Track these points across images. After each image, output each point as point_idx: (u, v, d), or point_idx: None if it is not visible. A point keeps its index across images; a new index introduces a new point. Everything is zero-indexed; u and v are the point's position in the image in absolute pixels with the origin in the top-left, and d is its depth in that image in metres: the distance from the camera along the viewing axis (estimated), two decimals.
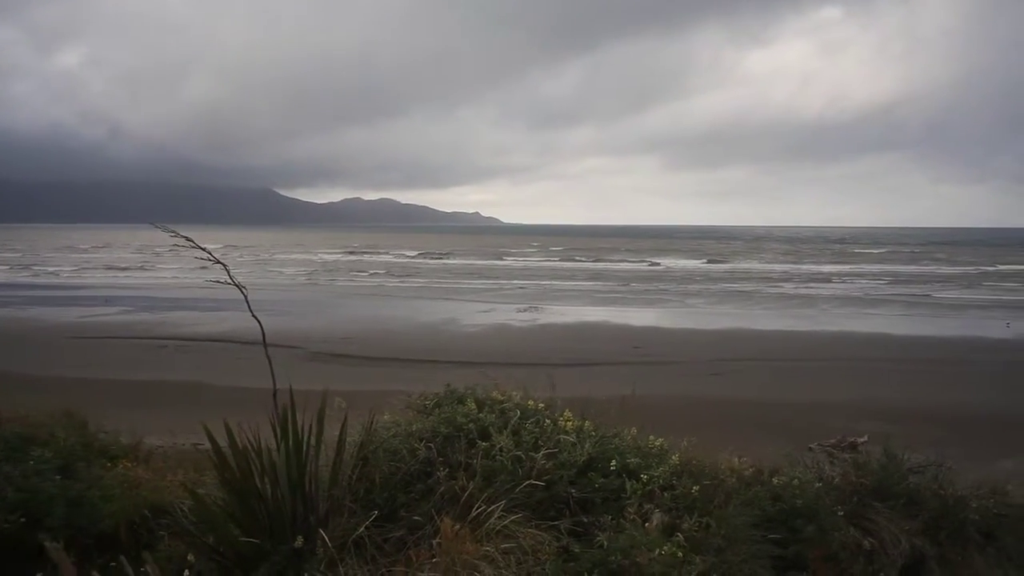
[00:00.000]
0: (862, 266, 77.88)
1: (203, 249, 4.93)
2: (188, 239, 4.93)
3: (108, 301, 37.16)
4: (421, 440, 5.35)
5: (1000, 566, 5.41)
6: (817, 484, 5.75)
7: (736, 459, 5.86)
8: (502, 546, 4.40)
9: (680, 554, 4.37)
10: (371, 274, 65.50)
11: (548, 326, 30.16)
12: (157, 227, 5.37)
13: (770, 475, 5.86)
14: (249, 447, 4.84)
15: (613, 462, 5.19)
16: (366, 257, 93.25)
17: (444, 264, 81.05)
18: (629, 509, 4.80)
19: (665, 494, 5.01)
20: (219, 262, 4.97)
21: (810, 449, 7.62)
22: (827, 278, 60.84)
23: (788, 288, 51.24)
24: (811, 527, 5.15)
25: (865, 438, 8.33)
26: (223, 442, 4.81)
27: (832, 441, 8.33)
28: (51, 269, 68.27)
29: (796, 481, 5.65)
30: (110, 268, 70.05)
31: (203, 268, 4.88)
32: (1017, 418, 15.28)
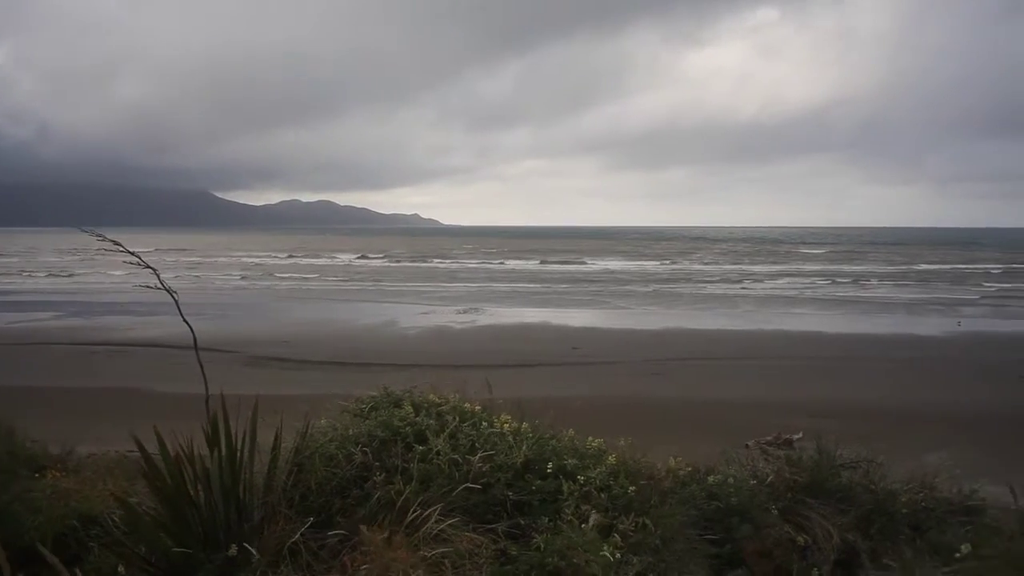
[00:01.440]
0: (797, 265, 79.20)
1: (132, 253, 4.83)
2: (116, 243, 4.83)
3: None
4: (357, 445, 5.30)
5: (928, 558, 5.52)
6: (752, 482, 5.82)
7: (672, 459, 5.90)
8: (438, 551, 4.38)
9: (617, 554, 4.39)
10: (311, 277, 64.91)
11: (487, 328, 30.16)
12: (85, 231, 5.26)
13: (706, 474, 5.92)
14: (182, 455, 4.75)
15: (550, 464, 5.20)
16: (305, 260, 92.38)
17: (384, 266, 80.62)
18: (566, 510, 4.81)
19: (602, 495, 5.03)
20: (148, 267, 4.88)
21: (746, 447, 7.73)
22: (764, 278, 61.78)
23: (726, 288, 51.94)
24: (746, 525, 5.21)
25: (800, 435, 8.48)
26: (155, 450, 4.72)
27: (768, 438, 8.46)
28: None
29: (731, 479, 5.72)
30: (39, 273, 68.44)
31: (135, 273, 4.75)
32: (943, 413, 15.65)
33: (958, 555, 4.46)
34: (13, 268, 74.84)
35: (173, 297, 4.95)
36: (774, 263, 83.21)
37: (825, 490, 5.94)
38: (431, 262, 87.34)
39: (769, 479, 6.01)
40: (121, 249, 4.87)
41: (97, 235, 4.98)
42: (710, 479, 5.74)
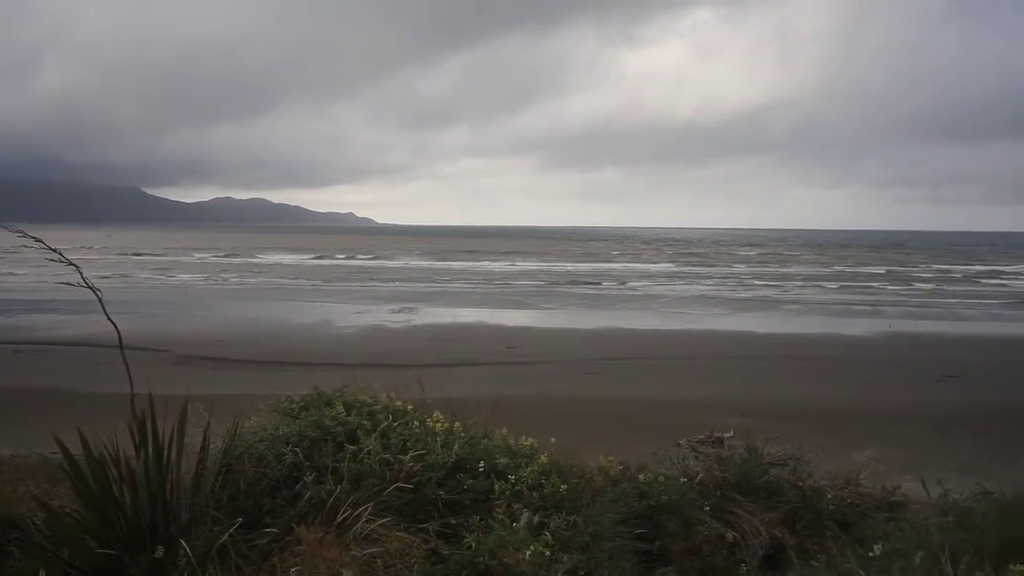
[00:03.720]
0: (729, 267, 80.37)
1: (53, 250, 4.72)
2: (37, 239, 4.72)
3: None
4: (288, 444, 5.26)
5: (853, 553, 5.65)
6: (682, 480, 5.90)
7: (603, 457, 5.95)
8: (369, 551, 4.37)
9: (548, 552, 4.42)
10: (243, 275, 64.09)
11: (422, 327, 30.06)
12: (4, 227, 5.14)
13: (637, 472, 5.98)
14: (107, 456, 4.66)
15: (481, 463, 5.21)
16: (238, 258, 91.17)
17: (318, 265, 79.89)
18: (498, 509, 4.83)
19: (534, 494, 5.06)
20: (71, 263, 4.78)
21: (678, 445, 7.82)
22: (695, 278, 62.55)
23: (658, 288, 52.46)
24: (675, 521, 5.28)
25: (731, 433, 8.59)
26: (79, 451, 4.63)
27: (699, 437, 8.56)
28: None
29: (662, 477, 5.79)
30: None
31: (59, 271, 4.64)
32: (869, 412, 16.00)
33: (871, 554, 4.57)
34: None
35: (97, 295, 4.86)
36: (706, 264, 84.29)
37: (754, 487, 6.05)
38: (365, 261, 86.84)
39: (699, 477, 6.11)
40: (43, 246, 4.76)
41: (17, 231, 4.87)
42: (641, 477, 5.80)
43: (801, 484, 6.23)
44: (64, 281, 4.98)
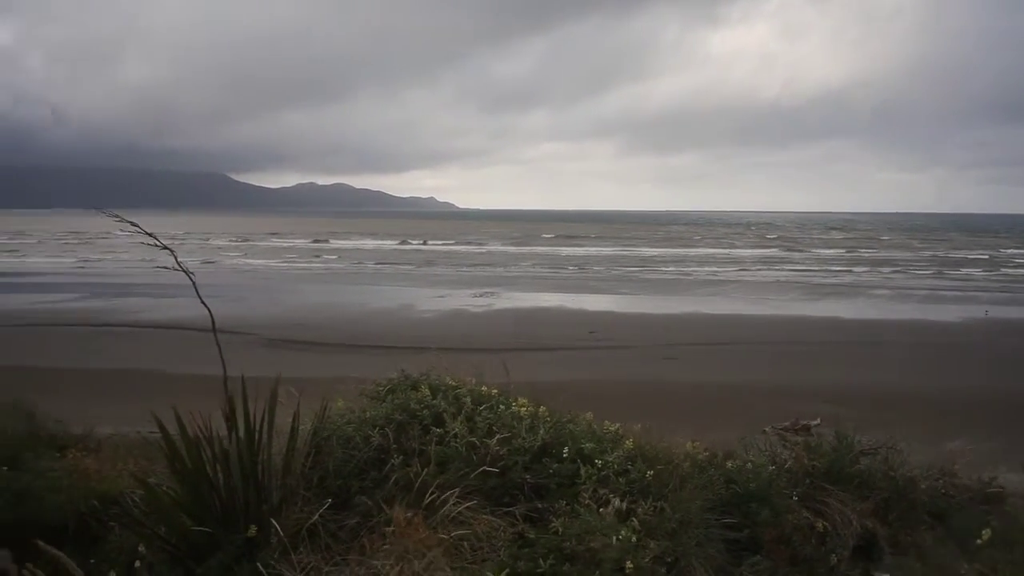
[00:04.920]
0: (813, 251, 78.89)
1: (149, 235, 4.84)
2: (134, 224, 4.84)
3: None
4: (375, 427, 5.32)
5: (947, 545, 5.50)
6: (770, 467, 5.80)
7: (690, 443, 5.89)
8: (456, 533, 4.40)
9: (635, 539, 4.39)
10: (327, 259, 65.14)
11: (504, 311, 30.15)
12: (104, 213, 5.28)
13: (724, 459, 5.90)
14: (200, 436, 4.78)
15: (567, 448, 5.19)
16: (320, 243, 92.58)
17: (399, 250, 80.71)
18: (584, 494, 4.81)
19: (620, 479, 5.03)
20: (166, 247, 4.89)
21: (764, 432, 7.70)
22: (779, 262, 61.56)
23: (741, 273, 51.76)
24: (765, 510, 5.19)
25: (818, 420, 8.43)
26: (174, 430, 4.75)
27: (785, 424, 8.41)
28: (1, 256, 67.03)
29: (749, 465, 5.70)
30: (56, 254, 68.91)
31: (153, 255, 4.75)
32: (960, 400, 15.55)
33: (979, 541, 4.43)
34: (31, 250, 75.36)
35: (191, 278, 4.96)
36: (788, 249, 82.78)
37: (844, 476, 5.91)
38: (446, 246, 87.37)
39: (788, 465, 5.99)
40: (139, 230, 4.88)
41: (115, 216, 4.99)
42: (728, 464, 5.72)
43: (893, 473, 6.07)
44: (160, 265, 5.10)
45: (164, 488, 4.93)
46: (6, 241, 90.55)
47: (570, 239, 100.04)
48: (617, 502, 4.71)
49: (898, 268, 56.86)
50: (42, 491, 5.30)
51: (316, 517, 4.60)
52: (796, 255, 72.83)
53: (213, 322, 5.10)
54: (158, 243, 4.85)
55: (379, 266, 58.06)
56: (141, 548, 4.58)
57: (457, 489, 4.68)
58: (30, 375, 16.01)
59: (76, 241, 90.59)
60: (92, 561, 4.74)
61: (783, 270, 54.45)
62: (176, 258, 4.91)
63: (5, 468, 5.41)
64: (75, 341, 22.56)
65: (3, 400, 7.22)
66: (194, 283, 4.93)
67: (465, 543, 4.35)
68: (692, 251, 78.65)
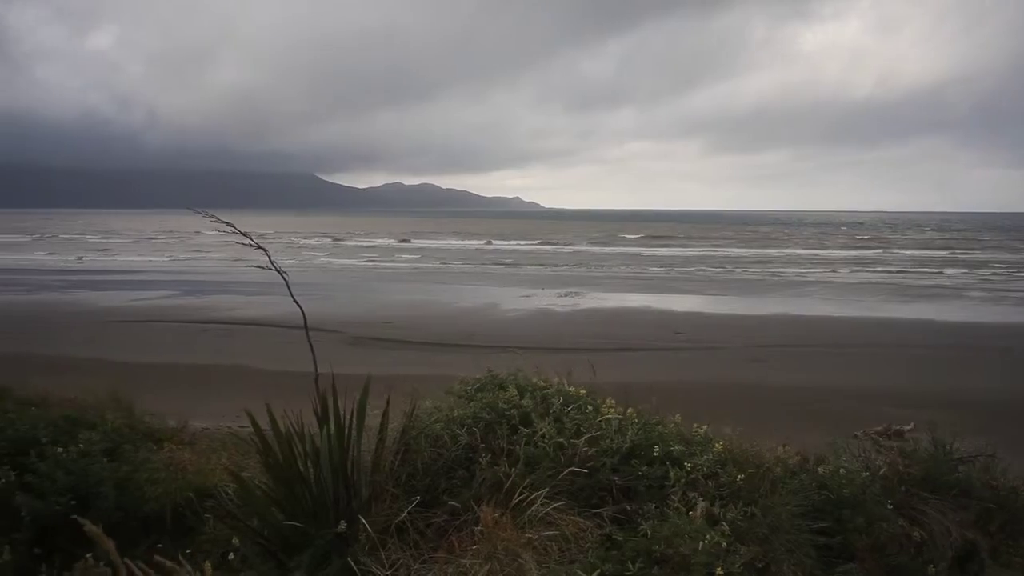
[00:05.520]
0: (906, 251, 76.84)
1: (244, 235, 4.94)
2: (229, 224, 4.94)
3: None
4: (463, 426, 5.35)
5: None
6: (864, 473, 5.66)
7: (781, 447, 5.78)
8: (544, 533, 4.39)
9: (725, 543, 4.33)
10: (412, 258, 65.83)
11: (589, 311, 30.04)
12: (198, 212, 5.40)
13: (815, 464, 5.78)
14: (292, 431, 4.86)
15: (656, 449, 5.15)
16: (407, 242, 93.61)
17: (484, 249, 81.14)
18: (673, 497, 4.77)
19: (709, 482, 4.97)
20: (259, 247, 4.99)
21: (855, 437, 7.52)
22: (868, 263, 60.11)
23: (829, 273, 50.67)
24: (859, 517, 5.07)
25: (911, 425, 8.20)
26: (266, 426, 4.84)
27: (877, 429, 8.20)
28: (95, 254, 69.34)
29: (842, 470, 5.57)
30: (151, 253, 71.03)
31: (246, 254, 4.86)
32: None
33: None
34: (126, 249, 77.79)
35: (283, 278, 5.05)
36: (879, 249, 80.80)
37: (941, 484, 5.73)
38: (531, 245, 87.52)
39: (882, 471, 5.84)
40: (233, 230, 4.98)
41: (211, 217, 5.11)
42: (820, 469, 5.60)
43: (994, 483, 5.87)
44: (254, 264, 5.21)
45: (257, 482, 5.03)
46: (103, 240, 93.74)
47: (655, 239, 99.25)
48: (707, 506, 4.65)
49: (997, 270, 55.00)
50: (141, 482, 5.45)
51: (404, 514, 4.64)
52: (887, 255, 71.03)
53: (305, 321, 5.18)
54: (252, 243, 4.94)
55: (464, 265, 58.43)
56: (235, 540, 4.68)
57: (545, 489, 4.68)
58: (127, 369, 16.52)
59: (170, 240, 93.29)
60: (187, 551, 4.85)
61: (874, 271, 53.12)
62: (269, 257, 5.01)
63: (106, 459, 5.57)
64: (169, 337, 23.17)
65: (103, 393, 7.44)
66: (287, 282, 5.02)
67: (553, 544, 4.34)
68: (779, 251, 77.28)
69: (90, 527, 3.24)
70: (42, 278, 43.74)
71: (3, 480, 5.22)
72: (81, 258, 62.79)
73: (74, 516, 3.61)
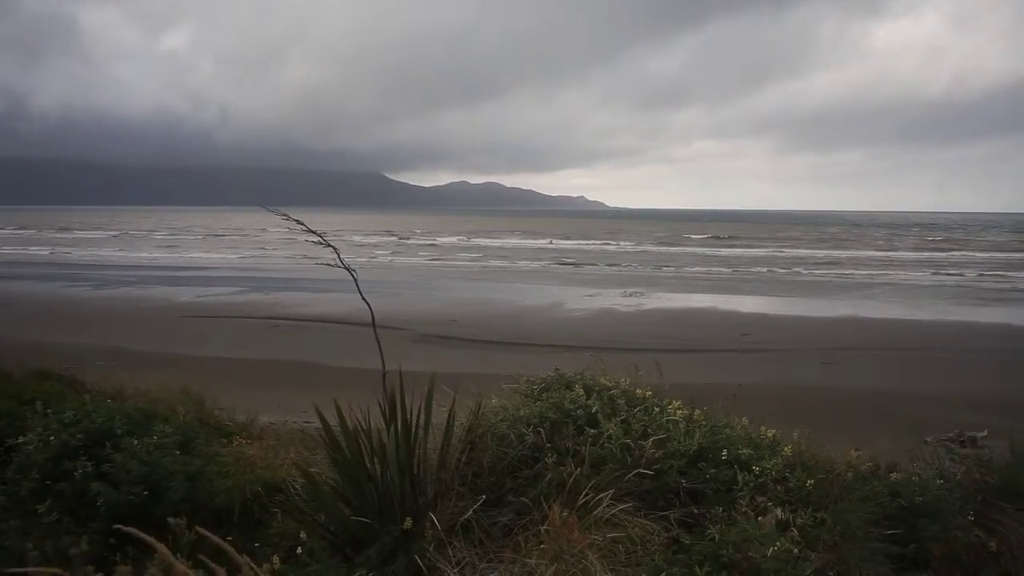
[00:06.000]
0: (984, 253, 74.93)
1: (314, 232, 4.99)
2: (299, 222, 5.00)
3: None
4: (529, 425, 5.34)
5: None
6: (938, 481, 5.52)
7: (852, 452, 5.67)
8: (610, 535, 4.36)
9: (795, 550, 4.25)
10: (476, 257, 66.07)
11: (654, 311, 29.84)
12: (270, 210, 5.47)
13: (887, 470, 5.67)
14: (359, 428, 4.90)
15: (725, 452, 5.08)
16: (471, 240, 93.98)
17: (548, 248, 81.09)
18: (741, 501, 4.70)
19: (778, 487, 4.90)
20: (330, 245, 5.03)
21: (925, 442, 7.36)
22: (943, 265, 58.72)
23: (899, 275, 49.64)
24: (934, 525, 4.95)
25: (984, 432, 8.00)
26: (334, 422, 4.89)
27: (949, 435, 8.02)
28: (166, 251, 70.86)
29: (916, 478, 5.45)
30: (222, 249, 72.33)
31: (312, 251, 4.91)
32: None
33: None
34: (195, 246, 79.35)
35: (352, 276, 5.09)
36: (955, 251, 78.89)
37: (1020, 494, 5.57)
38: (596, 244, 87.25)
39: (957, 479, 5.70)
40: (305, 228, 5.04)
41: (283, 215, 5.17)
42: (893, 476, 5.49)
43: None
44: (323, 262, 5.26)
45: (324, 478, 5.08)
46: (173, 237, 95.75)
47: (722, 239, 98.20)
48: (777, 511, 4.58)
49: None
50: (212, 476, 5.54)
51: (470, 512, 4.65)
52: (961, 257, 69.33)
53: (373, 318, 5.22)
54: (322, 241, 4.99)
55: (527, 264, 58.48)
56: (302, 535, 4.73)
57: (611, 491, 4.64)
58: (196, 364, 16.81)
59: (237, 236, 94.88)
60: (256, 545, 4.92)
61: (947, 273, 51.88)
62: (339, 255, 5.05)
63: (178, 452, 5.67)
64: (238, 332, 23.55)
65: (175, 387, 7.58)
66: (356, 280, 5.06)
67: (619, 546, 4.31)
68: (850, 252, 75.84)
69: (138, 533, 3.29)
70: (117, 273, 44.81)
71: (81, 471, 5.35)
72: (151, 255, 64.20)
73: (118, 526, 3.66)
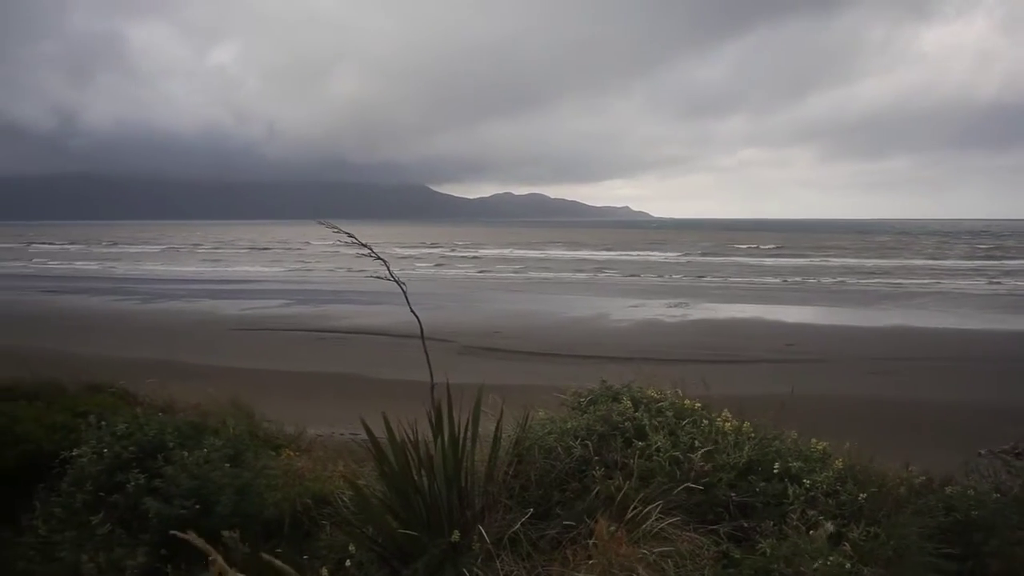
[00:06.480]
0: None
1: (364, 245, 5.02)
2: (351, 235, 5.03)
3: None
4: (576, 438, 5.31)
5: None
6: (994, 495, 5.41)
7: (904, 465, 5.58)
8: (659, 549, 4.32)
9: (847, 564, 4.18)
10: (519, 268, 66.12)
11: (699, 322, 29.66)
12: (321, 223, 5.50)
13: (941, 483, 5.56)
14: (407, 440, 4.91)
15: (776, 465, 5.02)
16: (516, 251, 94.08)
17: (592, 259, 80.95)
18: (792, 515, 4.63)
19: (829, 501, 4.82)
20: (379, 258, 5.06)
21: (980, 455, 7.21)
22: (996, 274, 57.65)
23: (950, 284, 48.82)
24: (993, 541, 4.84)
25: None
26: (381, 435, 4.90)
27: (1005, 447, 7.84)
28: (211, 264, 71.79)
29: (971, 491, 5.34)
30: (267, 262, 73.12)
31: (356, 264, 4.93)
32: None
33: None
34: (242, 259, 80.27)
35: (402, 289, 5.12)
36: (1011, 258, 77.35)
37: None
38: (641, 255, 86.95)
39: (1014, 492, 5.58)
40: (355, 241, 5.07)
41: (333, 227, 5.20)
42: (947, 489, 5.38)
43: None
44: (367, 274, 5.29)
45: (372, 490, 5.09)
46: (220, 251, 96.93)
47: (767, 248, 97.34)
48: (828, 525, 4.51)
49: None
50: (261, 488, 5.58)
51: (518, 526, 4.63)
52: (1016, 266, 67.99)
53: (422, 331, 5.24)
54: (372, 254, 5.02)
55: (571, 275, 58.43)
56: (351, 547, 4.74)
57: (659, 504, 4.60)
58: (244, 376, 16.97)
59: (281, 250, 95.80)
60: (305, 557, 4.95)
61: (998, 282, 50.94)
62: (389, 268, 5.08)
63: (228, 465, 5.72)
64: (286, 345, 23.79)
65: (224, 400, 7.65)
66: (405, 292, 5.08)
67: (668, 560, 4.26)
68: (898, 261, 74.73)
69: (195, 538, 3.32)
70: (165, 287, 45.48)
71: (133, 483, 5.41)
72: (198, 269, 65.05)
73: (174, 532, 3.69)
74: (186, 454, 5.64)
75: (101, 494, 5.49)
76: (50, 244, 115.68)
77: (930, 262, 73.54)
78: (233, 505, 5.32)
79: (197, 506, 5.28)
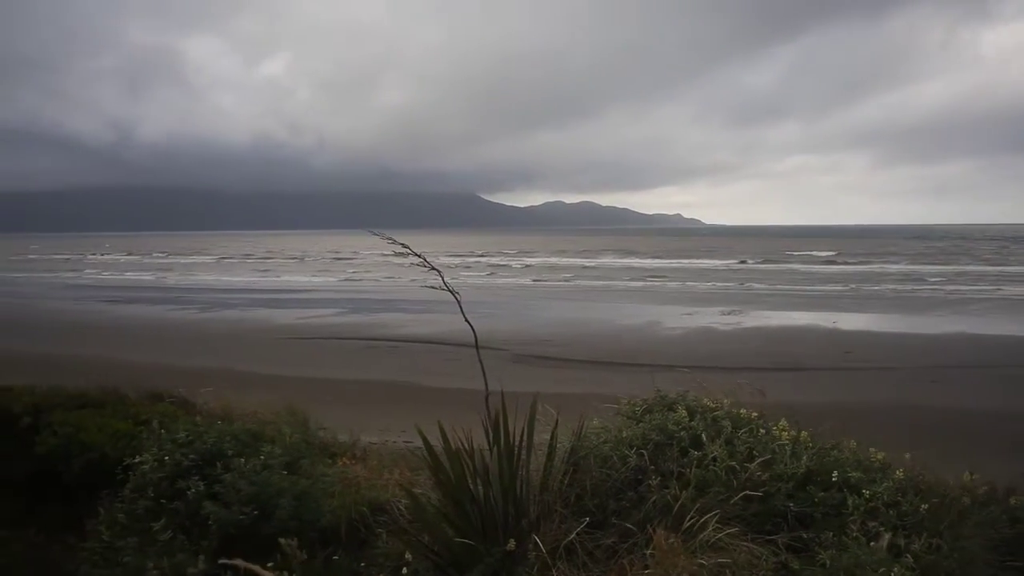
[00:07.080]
0: None
1: (418, 255, 5.05)
2: (405, 245, 5.06)
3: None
4: (632, 447, 5.29)
5: None
6: None
7: (967, 475, 5.47)
8: (717, 560, 4.28)
9: None
10: (571, 277, 66.04)
11: (753, 330, 29.37)
12: (374, 233, 5.54)
13: (1005, 494, 5.45)
14: (462, 449, 4.92)
15: (835, 474, 4.95)
16: (567, 260, 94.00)
17: (644, 266, 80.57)
18: (852, 526, 4.56)
19: (890, 511, 4.74)
20: (434, 268, 5.09)
21: None
22: None
23: (1019, 290, 47.74)
24: None
25: None
26: (436, 442, 4.92)
27: None
28: (264, 274, 72.73)
29: None
30: (319, 272, 73.90)
31: (408, 273, 4.99)
32: None
33: None
34: (293, 268, 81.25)
35: (456, 298, 5.14)
36: None
37: None
38: (693, 262, 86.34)
39: None
40: (408, 251, 5.10)
41: (387, 238, 5.24)
42: (1011, 500, 5.27)
43: None
44: (420, 283, 5.33)
45: (427, 498, 5.11)
46: (273, 261, 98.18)
47: (821, 255, 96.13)
48: (889, 536, 4.43)
49: None
50: (318, 495, 5.63)
51: (573, 535, 4.62)
52: None
53: (476, 340, 5.26)
54: (427, 264, 5.05)
55: (623, 282, 58.28)
56: (407, 555, 4.76)
57: (716, 514, 4.56)
58: (300, 384, 17.15)
59: (333, 260, 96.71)
60: (362, 565, 4.98)
61: None
62: (443, 278, 5.10)
63: (285, 472, 5.78)
64: (339, 353, 24.00)
65: (280, 407, 7.73)
66: (459, 303, 5.10)
67: (726, 571, 4.22)
68: (958, 267, 73.26)
69: (245, 564, 3.35)
70: (220, 296, 46.13)
71: (193, 490, 5.49)
72: (252, 279, 65.93)
73: (224, 559, 3.73)
74: (244, 461, 5.71)
75: (162, 501, 5.57)
76: (106, 255, 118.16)
77: (990, 268, 72.04)
78: (291, 511, 5.37)
79: (256, 512, 5.33)
